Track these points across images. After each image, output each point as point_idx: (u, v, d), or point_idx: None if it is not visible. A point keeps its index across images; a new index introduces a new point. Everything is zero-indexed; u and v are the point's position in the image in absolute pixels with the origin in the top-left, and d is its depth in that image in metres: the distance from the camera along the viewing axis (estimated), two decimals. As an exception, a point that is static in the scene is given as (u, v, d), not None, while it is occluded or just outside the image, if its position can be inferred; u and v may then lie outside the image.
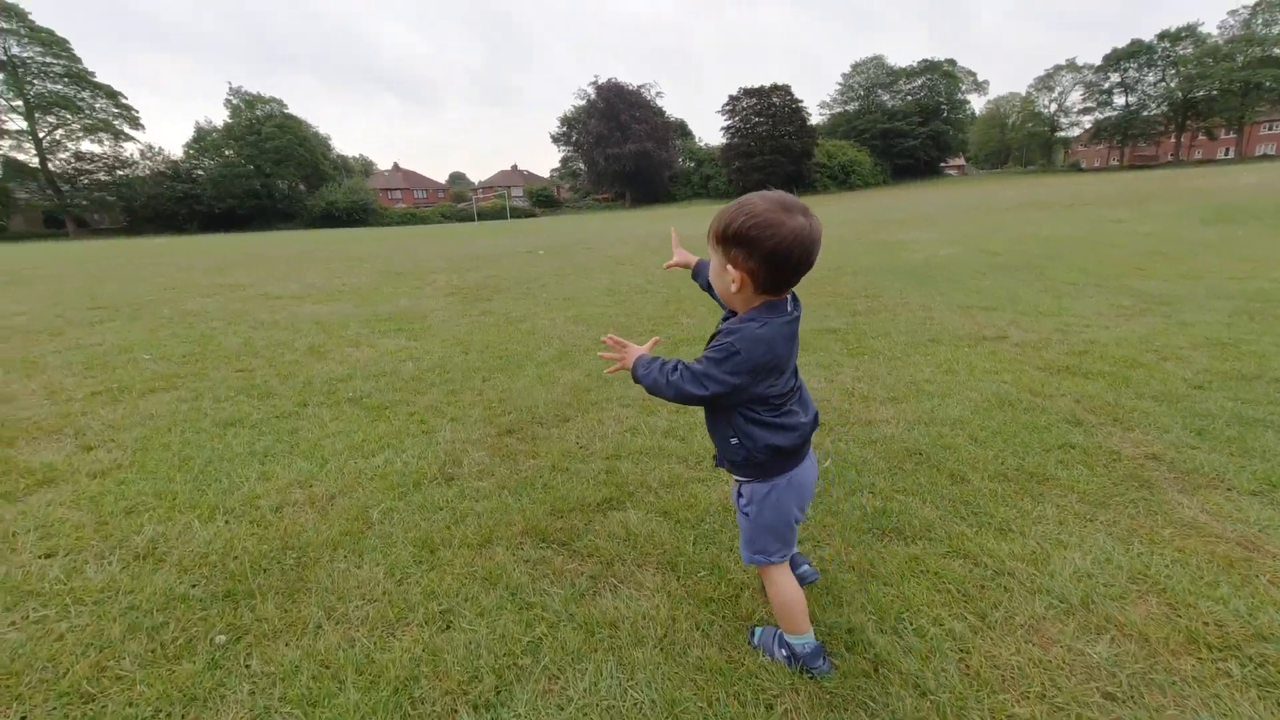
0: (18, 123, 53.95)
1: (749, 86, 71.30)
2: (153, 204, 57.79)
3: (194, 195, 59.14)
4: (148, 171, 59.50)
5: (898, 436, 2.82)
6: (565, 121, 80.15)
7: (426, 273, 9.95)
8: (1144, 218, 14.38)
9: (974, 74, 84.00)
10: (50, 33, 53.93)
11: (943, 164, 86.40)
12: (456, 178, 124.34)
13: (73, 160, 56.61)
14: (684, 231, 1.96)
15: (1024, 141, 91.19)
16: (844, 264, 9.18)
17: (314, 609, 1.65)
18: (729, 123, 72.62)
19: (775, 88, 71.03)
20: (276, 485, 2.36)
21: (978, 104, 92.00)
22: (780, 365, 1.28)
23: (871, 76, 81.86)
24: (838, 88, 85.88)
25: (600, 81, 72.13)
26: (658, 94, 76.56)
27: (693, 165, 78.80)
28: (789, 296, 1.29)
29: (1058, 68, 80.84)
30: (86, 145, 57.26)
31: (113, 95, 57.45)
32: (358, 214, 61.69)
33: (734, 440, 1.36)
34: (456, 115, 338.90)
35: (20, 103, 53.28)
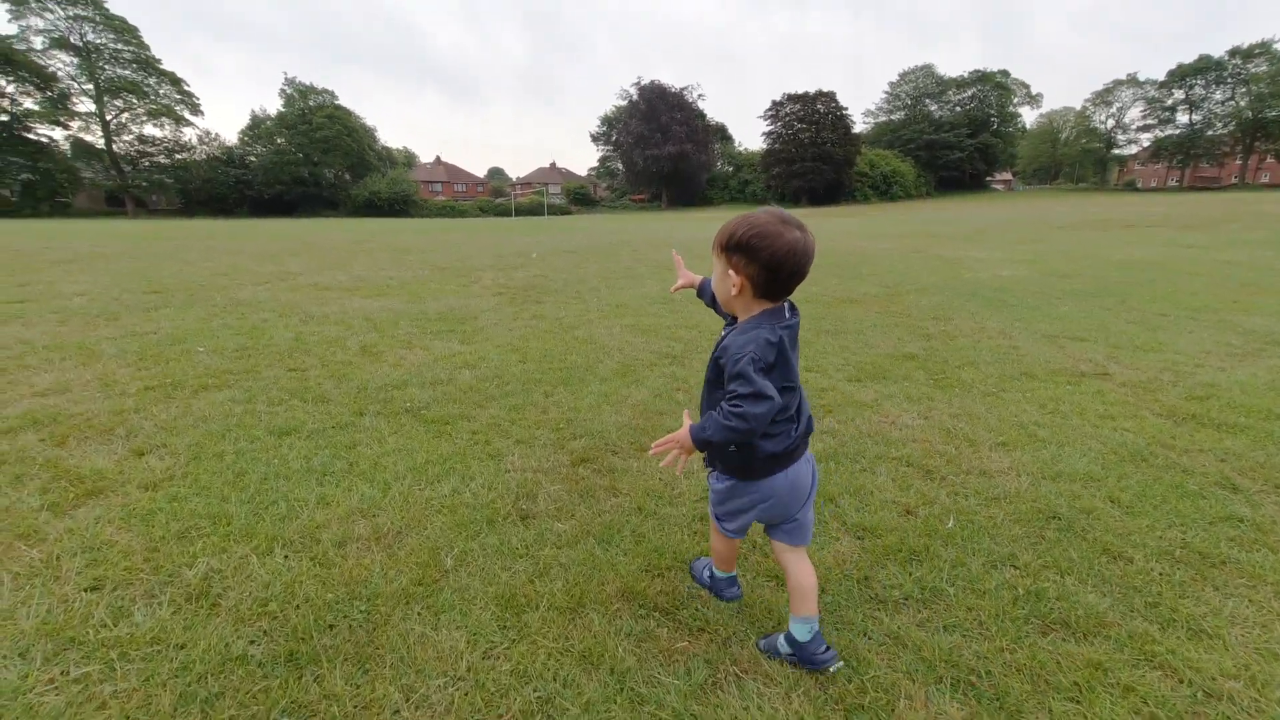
0: (87, 105, 56.48)
1: (793, 92, 70.50)
2: (207, 187, 59.96)
3: (245, 180, 61.23)
4: (204, 156, 61.84)
5: (1024, 493, 2.46)
6: (606, 121, 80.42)
7: (472, 269, 9.83)
8: (1220, 244, 13.49)
9: (1027, 86, 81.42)
10: (123, 20, 56.33)
11: (989, 178, 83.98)
12: (495, 172, 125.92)
13: (136, 143, 59.05)
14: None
15: (1077, 158, 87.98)
16: (903, 281, 8.73)
17: (389, 687, 1.40)
18: (771, 128, 71.90)
19: (820, 94, 70.09)
20: (338, 513, 2.14)
21: (1029, 117, 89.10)
22: (788, 368, 1.36)
23: (919, 86, 79.99)
24: (884, 96, 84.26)
25: (643, 82, 72.13)
26: (699, 96, 76.20)
27: (731, 169, 78.22)
28: (786, 304, 1.39)
29: (1117, 82, 77.70)
30: (149, 129, 59.72)
31: (176, 82, 59.75)
32: (399, 204, 62.89)
33: (734, 449, 1.42)
34: (499, 112, 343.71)
35: (91, 86, 55.79)
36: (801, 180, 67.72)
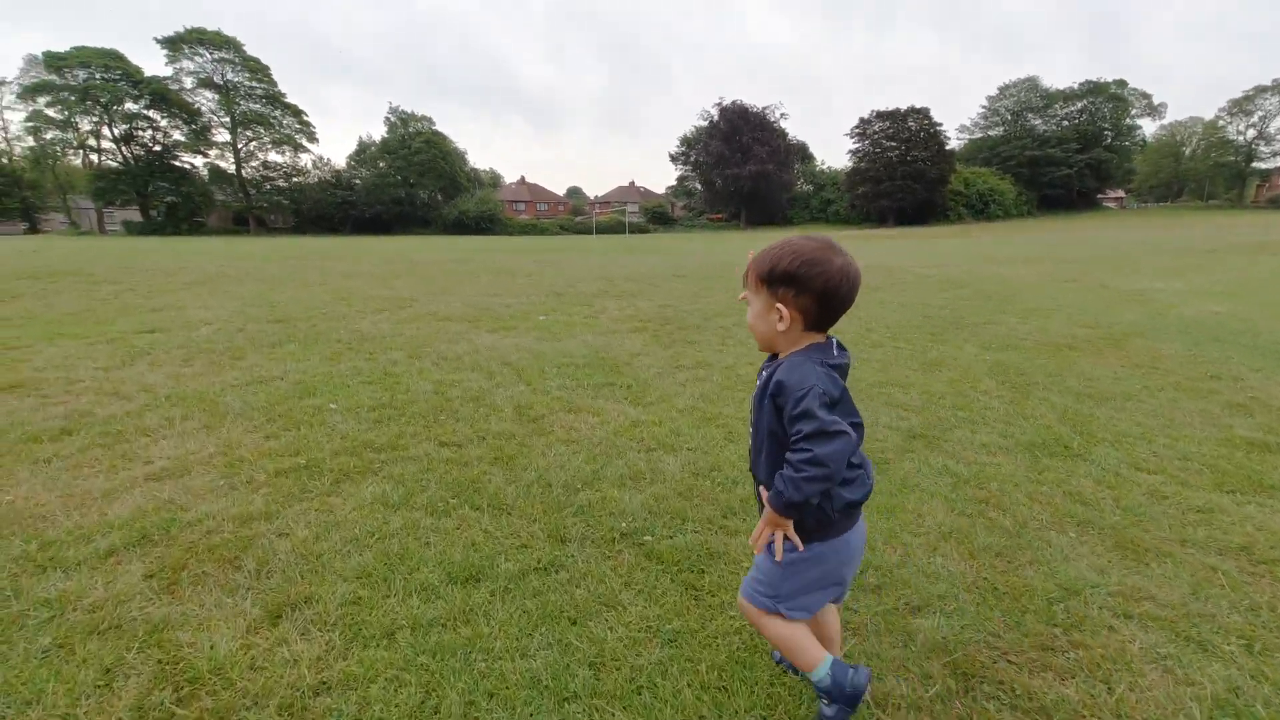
0: (223, 136, 63.15)
1: (882, 109, 67.81)
2: (316, 207, 64.93)
3: (350, 201, 65.75)
4: (316, 179, 67.19)
5: None
6: (685, 141, 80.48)
7: (588, 296, 9.04)
8: None
9: (1148, 96, 74.09)
10: (257, 61, 62.83)
11: (1100, 195, 76.95)
12: (573, 191, 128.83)
13: (260, 168, 65.23)
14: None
15: (1205, 173, 79.03)
16: (1103, 319, 7.11)
17: None
18: (857, 146, 69.65)
19: (912, 110, 67.21)
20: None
21: (1149, 129, 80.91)
22: (849, 403, 1.22)
23: (1021, 100, 74.74)
24: (981, 111, 79.34)
25: (724, 103, 71.58)
26: (782, 115, 74.75)
27: (811, 189, 76.07)
28: (834, 340, 1.27)
29: (1260, 89, 69.29)
30: (272, 155, 65.89)
31: (297, 114, 65.61)
32: (485, 223, 65.12)
33: (815, 501, 1.23)
34: (579, 133, 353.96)
35: (228, 119, 62.29)
36: (889, 200, 64.97)
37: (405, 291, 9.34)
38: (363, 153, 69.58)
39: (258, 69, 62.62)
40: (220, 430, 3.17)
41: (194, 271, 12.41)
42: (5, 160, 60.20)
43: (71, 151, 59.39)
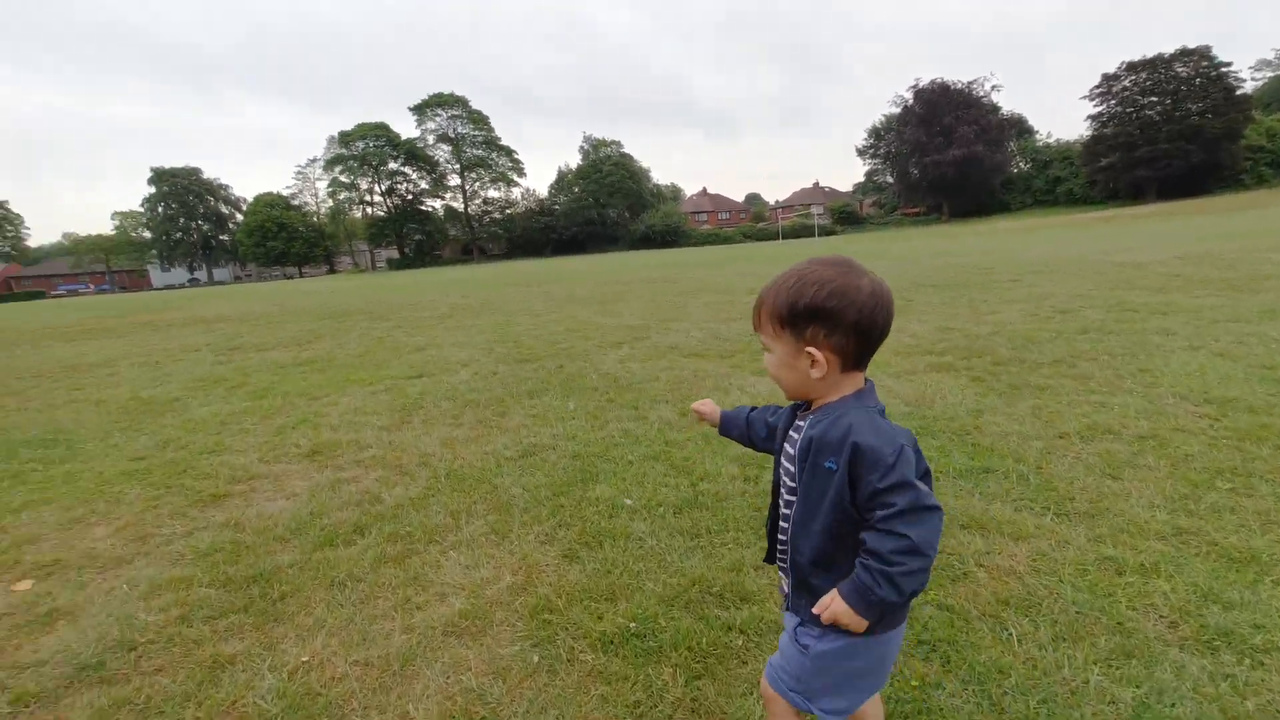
0: (454, 180, 75.22)
1: (1134, 59, 54.94)
2: (525, 234, 73.54)
3: (551, 225, 73.19)
4: (523, 209, 76.56)
5: None
6: (873, 133, 74.05)
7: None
8: None
9: None
10: (480, 113, 74.06)
11: None
12: (752, 198, 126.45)
13: (482, 204, 76.35)
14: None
15: None
16: None
17: None
18: (1099, 109, 57.63)
19: (1183, 53, 53.32)
20: None
21: None
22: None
23: (1372, 7, 54.77)
24: (1298, 36, 60.06)
25: (920, 84, 63.98)
26: (993, 88, 64.55)
27: (1031, 168, 64.50)
28: (872, 384, 1.07)
29: None
30: (490, 192, 76.68)
31: (510, 153, 75.64)
32: (670, 236, 66.76)
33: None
34: (756, 138, 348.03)
35: (457, 165, 73.83)
36: (1149, 168, 52.30)
37: (632, 318, 8.90)
38: (561, 180, 76.69)
39: (479, 120, 73.52)
40: (510, 539, 2.53)
41: (442, 305, 13.71)
42: (315, 219, 79.33)
43: (355, 207, 76.11)
